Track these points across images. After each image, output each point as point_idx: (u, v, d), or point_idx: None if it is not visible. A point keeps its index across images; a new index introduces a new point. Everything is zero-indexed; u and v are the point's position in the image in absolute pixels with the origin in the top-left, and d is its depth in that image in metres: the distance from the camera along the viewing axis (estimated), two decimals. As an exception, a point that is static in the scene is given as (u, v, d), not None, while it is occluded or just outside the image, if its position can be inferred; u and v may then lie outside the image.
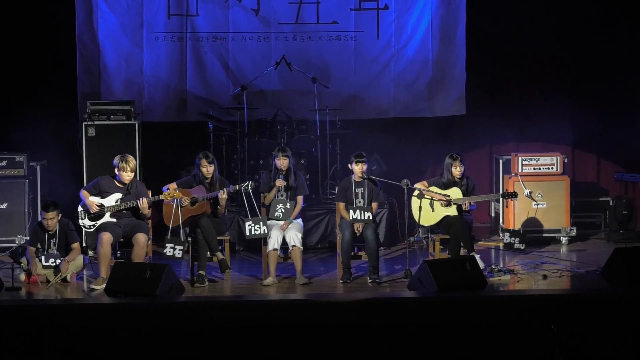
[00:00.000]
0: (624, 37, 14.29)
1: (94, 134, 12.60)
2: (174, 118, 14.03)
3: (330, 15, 14.02)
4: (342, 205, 11.21)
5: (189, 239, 11.01)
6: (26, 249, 11.11)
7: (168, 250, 10.67)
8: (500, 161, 13.57)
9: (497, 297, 9.35)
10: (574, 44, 14.33)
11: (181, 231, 11.14)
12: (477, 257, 10.49)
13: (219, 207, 11.03)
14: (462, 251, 11.04)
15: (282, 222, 11.03)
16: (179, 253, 10.68)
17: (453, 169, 11.23)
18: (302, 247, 10.95)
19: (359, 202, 11.13)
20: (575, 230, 13.03)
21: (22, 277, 10.79)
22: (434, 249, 11.28)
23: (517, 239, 11.62)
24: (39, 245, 10.99)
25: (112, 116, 12.67)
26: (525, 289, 10.33)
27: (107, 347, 8.32)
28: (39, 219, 11.28)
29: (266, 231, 10.82)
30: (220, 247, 10.95)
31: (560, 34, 14.31)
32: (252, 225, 10.81)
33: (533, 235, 12.84)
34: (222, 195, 10.88)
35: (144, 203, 10.78)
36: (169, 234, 10.78)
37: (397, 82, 14.16)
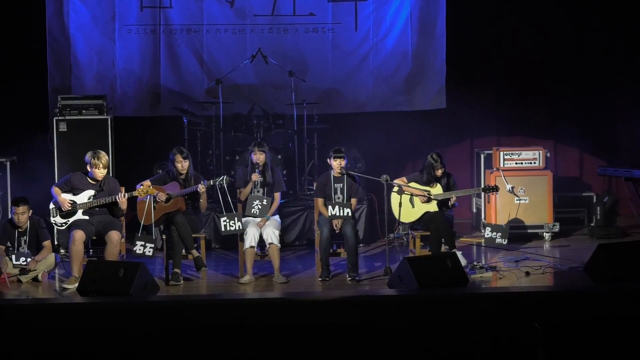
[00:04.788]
0: (606, 29, 14.24)
1: (65, 129, 12.42)
2: (148, 113, 13.89)
3: (307, 7, 13.86)
4: (320, 201, 11.07)
5: (164, 237, 10.83)
6: (-4, 248, 10.96)
7: (138, 248, 10.53)
8: (482, 156, 13.50)
9: (479, 295, 9.27)
10: (556, 36, 14.30)
11: (154, 229, 10.93)
12: (458, 253, 10.39)
13: (200, 201, 10.91)
14: (443, 248, 10.99)
15: (259, 219, 10.91)
16: (149, 251, 10.54)
17: (434, 171, 11.14)
18: (279, 245, 10.86)
19: (338, 198, 11.02)
20: (558, 226, 12.95)
21: (-8, 276, 10.64)
22: (414, 245, 11.23)
23: (499, 234, 11.49)
24: (8, 244, 10.86)
25: (83, 111, 12.49)
26: (508, 286, 10.31)
27: (80, 347, 8.15)
28: (9, 216, 11.10)
29: (241, 227, 10.73)
30: (195, 245, 10.82)
31: (542, 26, 14.28)
32: (227, 221, 10.71)
33: (515, 231, 12.73)
34: (202, 189, 10.72)
35: (122, 197, 10.60)
36: (140, 231, 10.62)
37: (375, 75, 14.03)
